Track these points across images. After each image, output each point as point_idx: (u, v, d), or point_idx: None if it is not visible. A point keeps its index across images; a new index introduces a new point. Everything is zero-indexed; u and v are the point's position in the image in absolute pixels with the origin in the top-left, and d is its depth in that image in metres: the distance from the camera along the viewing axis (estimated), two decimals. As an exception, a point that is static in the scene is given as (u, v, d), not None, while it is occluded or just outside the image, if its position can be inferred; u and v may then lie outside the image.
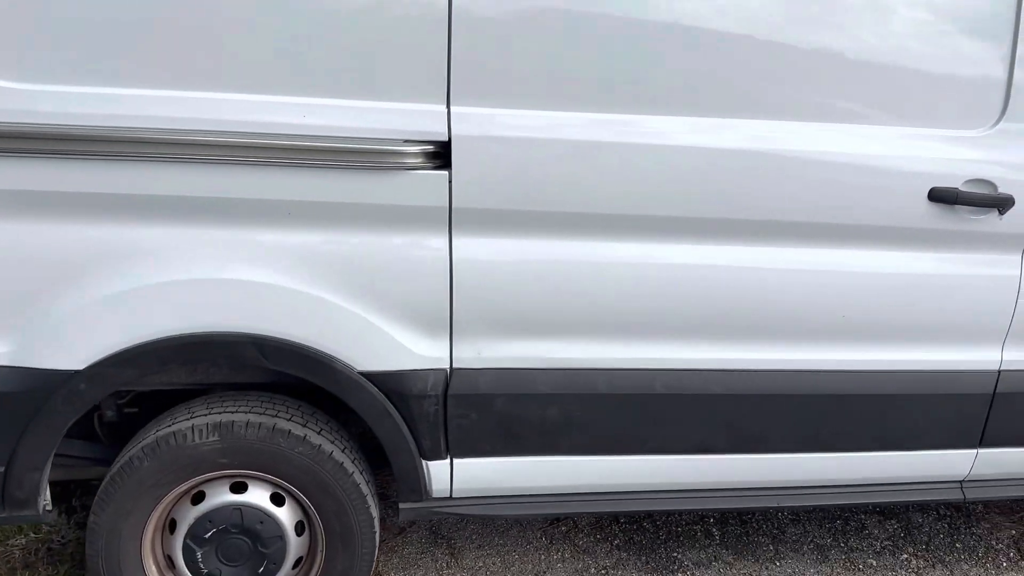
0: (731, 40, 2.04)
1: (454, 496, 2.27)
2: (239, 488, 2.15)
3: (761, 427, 2.31)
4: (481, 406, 2.16)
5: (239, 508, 2.14)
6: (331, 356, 2.05)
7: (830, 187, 2.15)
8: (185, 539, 2.13)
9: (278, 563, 2.18)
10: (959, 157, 2.20)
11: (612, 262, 2.12)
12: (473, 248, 2.05)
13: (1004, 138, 2.21)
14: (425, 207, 2.00)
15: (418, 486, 2.22)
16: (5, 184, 1.85)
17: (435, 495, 2.26)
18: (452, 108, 1.96)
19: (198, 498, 2.14)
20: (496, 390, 2.16)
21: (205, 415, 2.10)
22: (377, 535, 2.26)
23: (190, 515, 2.13)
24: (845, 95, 2.15)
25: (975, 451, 2.47)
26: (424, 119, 1.95)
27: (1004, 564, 2.85)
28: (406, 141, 1.94)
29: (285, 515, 2.18)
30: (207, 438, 2.06)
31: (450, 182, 1.98)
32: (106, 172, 1.88)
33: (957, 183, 2.19)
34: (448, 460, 2.21)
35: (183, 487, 2.12)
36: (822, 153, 2.13)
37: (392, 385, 2.10)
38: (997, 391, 2.39)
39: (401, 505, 2.26)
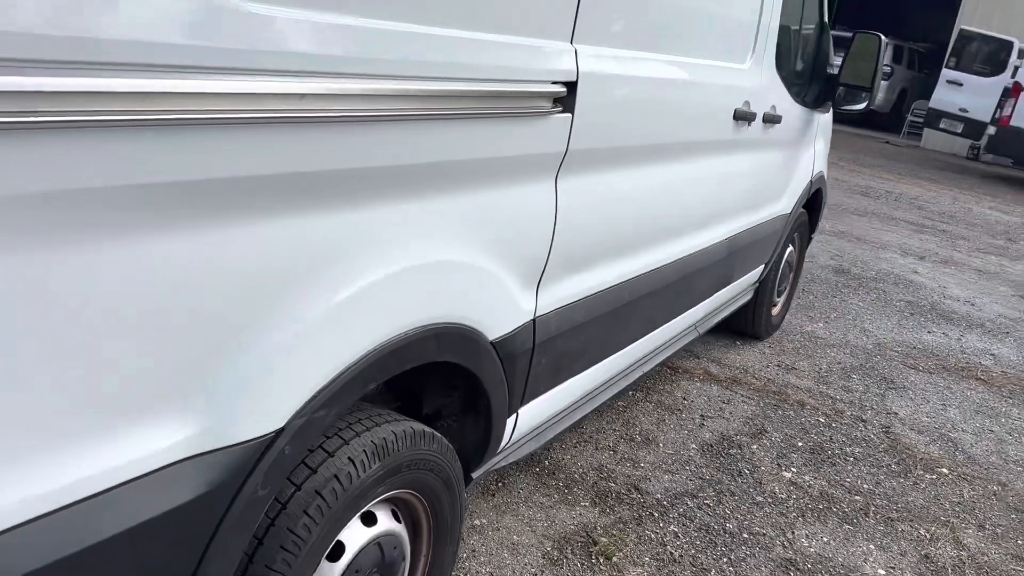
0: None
1: (504, 447, 2.22)
2: (368, 520, 1.74)
3: (668, 306, 2.83)
4: (551, 349, 2.16)
5: (379, 543, 1.74)
6: (478, 331, 1.81)
7: (705, 109, 2.70)
8: (332, 610, 1.65)
9: (399, 582, 1.87)
10: (739, 84, 2.96)
11: (640, 186, 2.32)
12: (569, 190, 2.02)
13: (753, 69, 3.06)
14: (548, 153, 1.88)
15: (496, 448, 2.11)
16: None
17: (498, 452, 2.17)
18: (576, 46, 1.87)
19: (335, 552, 1.66)
20: (559, 330, 2.17)
21: (344, 443, 1.62)
22: (460, 515, 2.07)
23: (331, 576, 1.65)
24: (700, 35, 2.67)
25: (717, 294, 3.42)
26: (557, 57, 1.82)
27: (670, 374, 3.94)
28: (553, 82, 1.80)
29: (403, 530, 1.85)
30: (370, 468, 1.62)
31: (571, 125, 1.90)
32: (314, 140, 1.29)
33: (740, 104, 2.96)
34: (516, 412, 2.15)
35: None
36: (700, 83, 2.65)
37: (507, 348, 1.95)
38: (730, 248, 3.35)
39: (474, 474, 2.11)
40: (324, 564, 1.63)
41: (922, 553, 2.81)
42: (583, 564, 2.53)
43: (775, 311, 4.65)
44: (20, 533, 1.02)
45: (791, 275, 4.75)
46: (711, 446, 3.35)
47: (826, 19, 3.96)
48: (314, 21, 1.21)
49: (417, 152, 1.51)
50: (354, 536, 1.68)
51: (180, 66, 1.04)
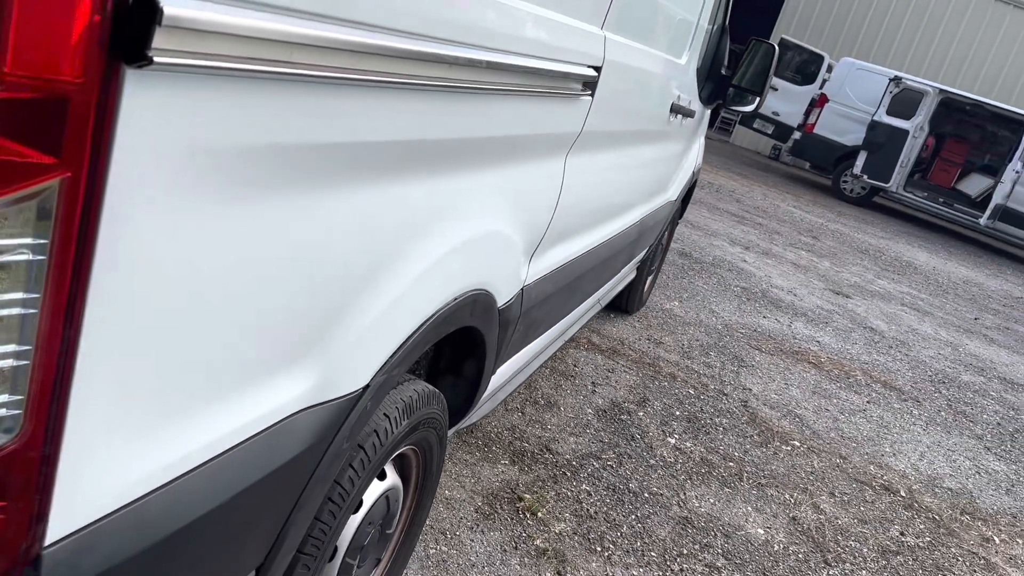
0: None
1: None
2: (380, 474, 1.78)
3: (598, 279, 3.00)
4: (527, 316, 2.25)
5: (387, 496, 1.79)
6: (495, 297, 1.88)
7: (661, 100, 2.87)
8: (343, 559, 1.69)
9: (392, 529, 1.92)
10: (678, 78, 3.16)
11: (608, 169, 2.44)
12: (572, 169, 2.11)
13: (686, 65, 3.27)
14: (568, 133, 1.97)
15: (474, 408, 2.19)
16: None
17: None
18: (605, 32, 1.96)
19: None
20: (536, 299, 2.27)
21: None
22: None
23: (350, 528, 1.68)
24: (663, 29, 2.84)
25: (622, 270, 3.64)
26: (593, 42, 1.90)
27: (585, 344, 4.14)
28: (588, 66, 1.88)
29: (400, 484, 1.90)
30: (401, 424, 1.67)
31: (590, 108, 2.00)
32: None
33: (675, 97, 3.16)
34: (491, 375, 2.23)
35: (355, 497, 1.65)
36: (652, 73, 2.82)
37: (505, 315, 2.03)
38: (640, 230, 3.58)
39: (448, 432, 2.18)
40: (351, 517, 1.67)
41: (790, 516, 3.19)
42: (513, 519, 2.67)
43: (645, 288, 4.98)
44: (175, 488, 1.00)
45: (661, 256, 5.10)
46: (605, 411, 3.58)
47: (727, 22, 4.25)
48: None
49: (487, 125, 1.55)
50: (371, 490, 1.72)
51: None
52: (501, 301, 1.95)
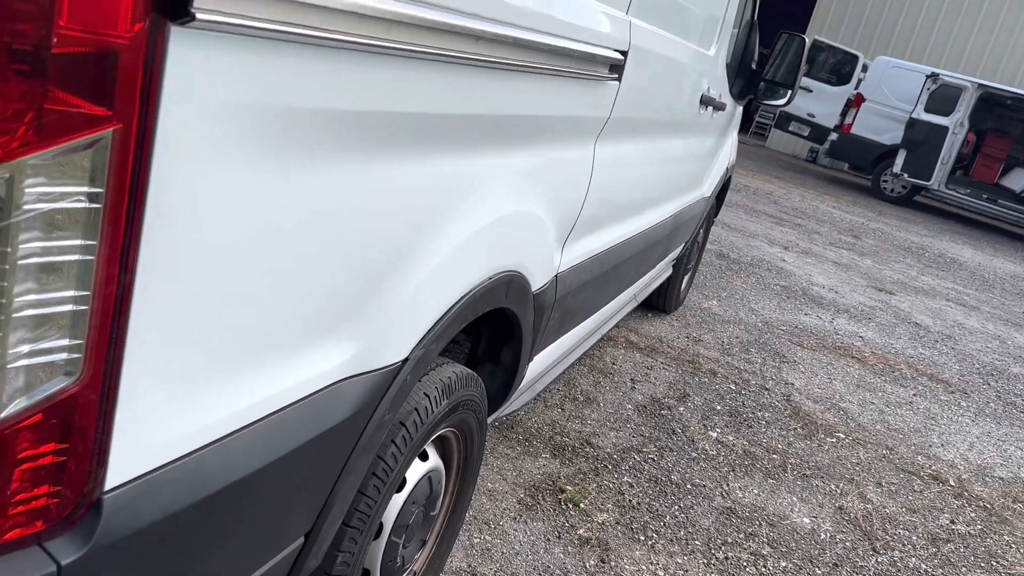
0: None
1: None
2: (422, 455, 1.82)
3: (633, 272, 3.02)
4: (562, 304, 2.28)
5: (429, 477, 1.82)
6: (529, 281, 1.91)
7: (689, 90, 2.89)
8: (389, 537, 1.72)
9: (436, 511, 1.94)
10: (707, 70, 3.17)
11: (640, 159, 2.46)
12: (601, 155, 2.14)
13: (715, 57, 3.28)
14: (597, 117, 2.00)
15: (513, 395, 2.22)
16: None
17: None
18: (631, 18, 1.99)
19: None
20: (570, 287, 2.30)
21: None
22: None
23: (395, 506, 1.72)
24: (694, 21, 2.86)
25: (658, 265, 3.65)
26: (616, 26, 1.93)
27: (597, 341, 4.15)
28: (615, 50, 1.91)
29: (442, 466, 1.93)
30: (440, 404, 1.70)
31: (617, 93, 2.03)
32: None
33: (705, 89, 3.18)
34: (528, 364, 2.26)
35: (397, 477, 1.69)
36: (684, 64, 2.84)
37: (540, 300, 2.06)
38: (674, 224, 3.59)
39: (488, 419, 2.20)
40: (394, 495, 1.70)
41: (836, 505, 3.16)
42: (555, 509, 2.68)
43: (682, 287, 4.97)
44: (227, 444, 1.04)
45: (698, 254, 5.09)
46: (644, 407, 3.58)
47: (755, 16, 4.26)
48: None
49: (516, 103, 1.58)
50: (414, 469, 1.76)
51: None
52: (535, 285, 1.98)
